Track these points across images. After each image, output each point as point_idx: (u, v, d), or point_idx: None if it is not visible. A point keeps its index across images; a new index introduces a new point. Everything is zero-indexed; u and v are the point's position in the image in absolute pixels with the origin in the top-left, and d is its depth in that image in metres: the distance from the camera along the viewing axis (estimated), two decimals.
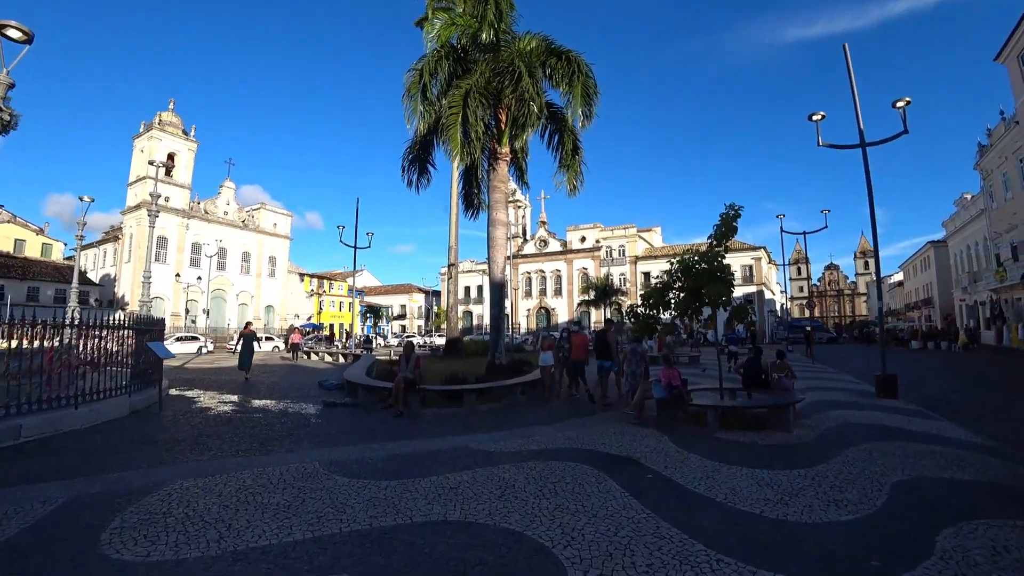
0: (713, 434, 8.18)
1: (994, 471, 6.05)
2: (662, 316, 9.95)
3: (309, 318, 66.85)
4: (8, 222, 54.74)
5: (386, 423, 9.39)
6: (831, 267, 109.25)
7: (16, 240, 54.21)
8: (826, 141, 14.05)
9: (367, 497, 5.08)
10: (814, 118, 14.00)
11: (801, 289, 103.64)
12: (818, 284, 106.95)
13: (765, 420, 8.81)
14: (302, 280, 72.39)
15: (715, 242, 9.47)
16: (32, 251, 54.82)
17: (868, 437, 7.82)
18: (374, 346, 34.73)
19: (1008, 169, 30.97)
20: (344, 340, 37.44)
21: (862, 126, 13.36)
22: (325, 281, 76.77)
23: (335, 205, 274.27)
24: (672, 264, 9.64)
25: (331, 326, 62.35)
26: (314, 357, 30.23)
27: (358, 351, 28.11)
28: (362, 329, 49.50)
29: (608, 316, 39.14)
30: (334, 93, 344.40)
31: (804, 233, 29.62)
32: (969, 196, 41.68)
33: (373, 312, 59.13)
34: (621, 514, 4.64)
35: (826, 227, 28.42)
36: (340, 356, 28.37)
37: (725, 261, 9.35)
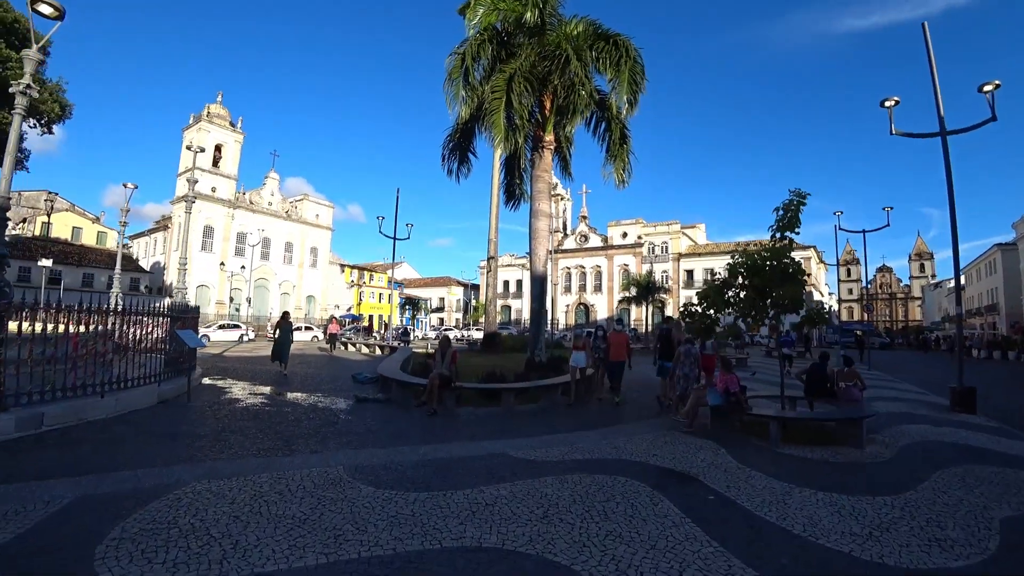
0: (775, 448, 7.38)
1: None
2: (720, 316, 9.14)
3: (349, 309, 67.60)
4: (66, 211, 57.12)
5: (419, 422, 8.88)
6: (883, 269, 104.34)
7: (73, 228, 56.64)
8: (899, 129, 12.90)
9: (392, 513, 4.51)
10: (887, 104, 12.83)
11: (850, 291, 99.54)
12: (868, 287, 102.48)
13: (832, 434, 7.97)
14: (343, 271, 73.19)
15: (779, 234, 8.58)
16: (88, 239, 57.14)
17: (955, 459, 6.91)
18: (411, 338, 34.57)
19: None
20: (382, 331, 37.52)
21: (942, 112, 12.16)
22: (365, 272, 77.52)
23: (377, 198, 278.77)
24: (735, 258, 8.77)
25: (370, 317, 62.96)
26: (351, 348, 30.24)
27: (395, 343, 27.94)
28: (401, 321, 49.54)
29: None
30: (378, 86, 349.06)
31: (863, 231, 27.86)
32: None
33: (412, 304, 59.35)
34: (684, 546, 3.96)
35: (888, 225, 26.51)
36: (377, 348, 28.28)
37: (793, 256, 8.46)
